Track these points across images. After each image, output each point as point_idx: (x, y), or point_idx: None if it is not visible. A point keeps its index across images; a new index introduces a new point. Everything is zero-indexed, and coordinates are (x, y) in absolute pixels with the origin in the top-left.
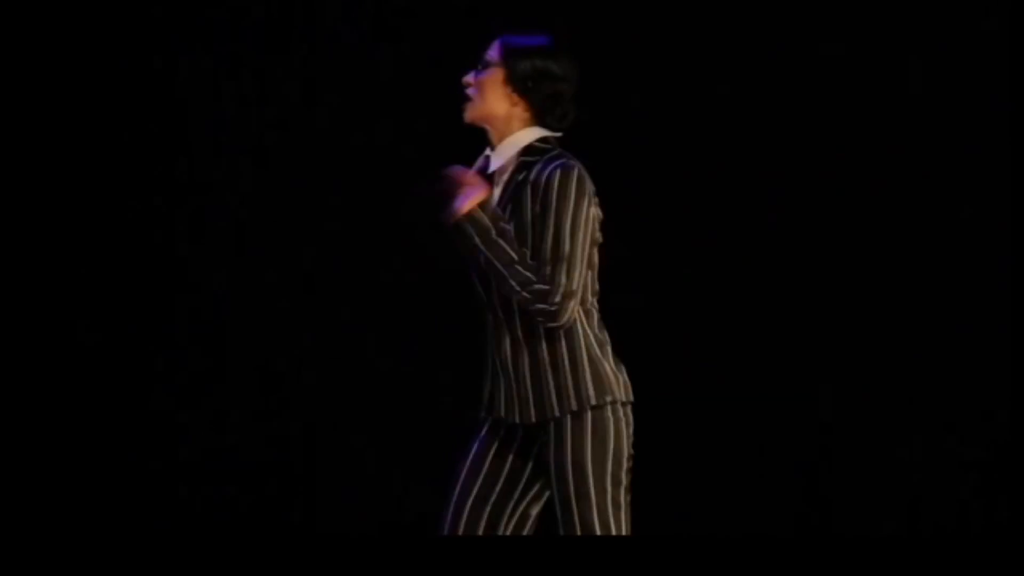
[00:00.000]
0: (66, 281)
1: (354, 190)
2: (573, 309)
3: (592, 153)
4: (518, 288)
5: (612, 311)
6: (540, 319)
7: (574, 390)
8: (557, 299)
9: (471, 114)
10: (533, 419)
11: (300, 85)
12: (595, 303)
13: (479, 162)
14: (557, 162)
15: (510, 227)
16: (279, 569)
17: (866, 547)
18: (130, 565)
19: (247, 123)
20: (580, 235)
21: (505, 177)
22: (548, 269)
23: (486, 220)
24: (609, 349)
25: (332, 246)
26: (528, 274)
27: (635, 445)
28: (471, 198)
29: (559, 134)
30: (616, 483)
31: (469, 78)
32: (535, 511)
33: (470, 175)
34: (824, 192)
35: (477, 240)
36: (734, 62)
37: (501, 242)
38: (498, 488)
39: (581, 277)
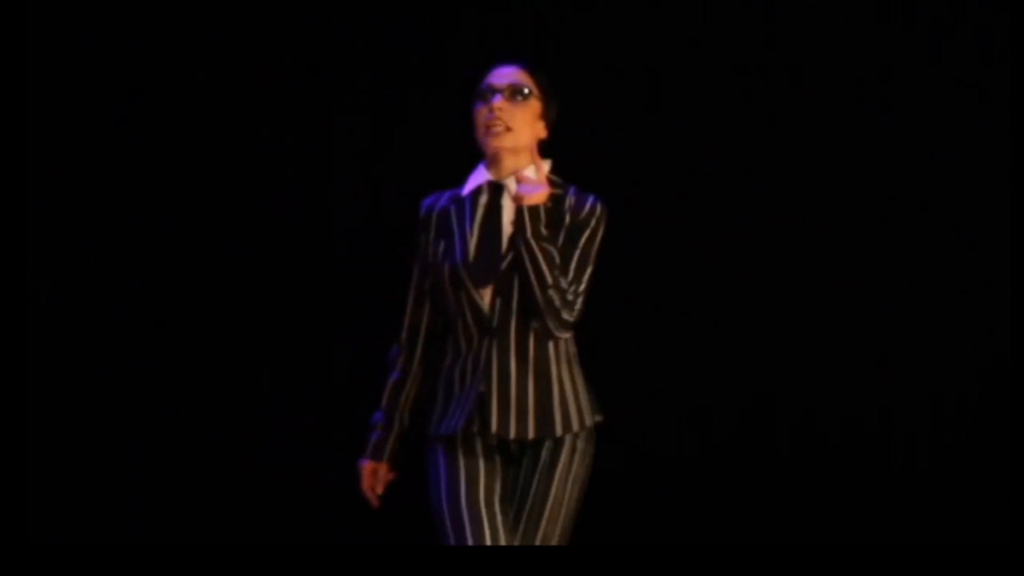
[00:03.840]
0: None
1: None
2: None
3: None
4: (554, 290)
5: None
6: (553, 325)
7: (577, 412)
8: (576, 310)
9: (509, 144)
10: (531, 435)
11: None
12: None
13: (472, 182)
14: (591, 196)
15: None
16: None
17: (864, 556)
18: None
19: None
20: (592, 267)
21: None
22: (574, 284)
23: (542, 220)
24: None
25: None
26: (563, 282)
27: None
28: (536, 193)
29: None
30: (580, 503)
31: (500, 103)
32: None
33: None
34: (822, 192)
35: (529, 233)
36: (729, 66)
37: (549, 246)
38: (496, 497)
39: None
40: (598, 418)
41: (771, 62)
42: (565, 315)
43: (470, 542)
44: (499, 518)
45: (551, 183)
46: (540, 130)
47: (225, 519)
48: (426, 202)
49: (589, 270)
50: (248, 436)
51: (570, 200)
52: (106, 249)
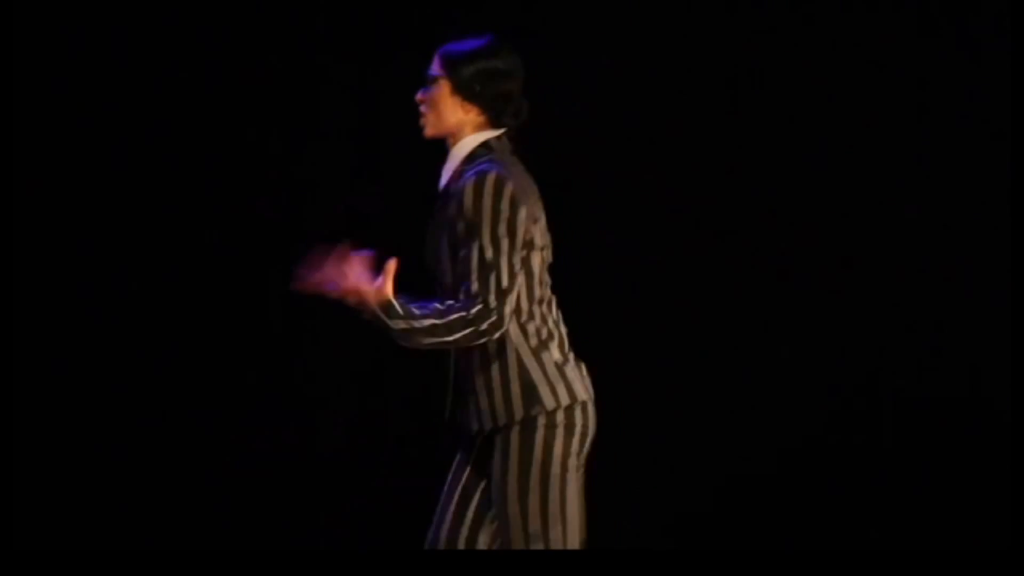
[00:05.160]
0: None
1: None
2: (511, 313)
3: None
4: (457, 338)
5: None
6: (485, 339)
7: (503, 405)
8: (492, 315)
9: (429, 131)
10: (474, 429)
11: None
12: (538, 308)
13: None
14: (476, 169)
15: (407, 304)
16: None
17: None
18: None
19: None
20: (502, 241)
21: (448, 189)
22: (475, 285)
23: (385, 322)
24: (550, 354)
25: None
26: (453, 316)
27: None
28: (366, 307)
29: (501, 132)
30: (544, 494)
31: (420, 95)
32: None
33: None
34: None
35: (398, 339)
36: (728, 60)
37: (412, 324)
38: (476, 495)
39: (512, 281)
40: (535, 410)
41: (763, 61)
42: (483, 328)
43: (432, 531)
44: (455, 513)
45: (471, 158)
46: (463, 105)
47: (214, 521)
48: None
49: (489, 257)
50: (235, 439)
51: (460, 183)
52: (91, 250)
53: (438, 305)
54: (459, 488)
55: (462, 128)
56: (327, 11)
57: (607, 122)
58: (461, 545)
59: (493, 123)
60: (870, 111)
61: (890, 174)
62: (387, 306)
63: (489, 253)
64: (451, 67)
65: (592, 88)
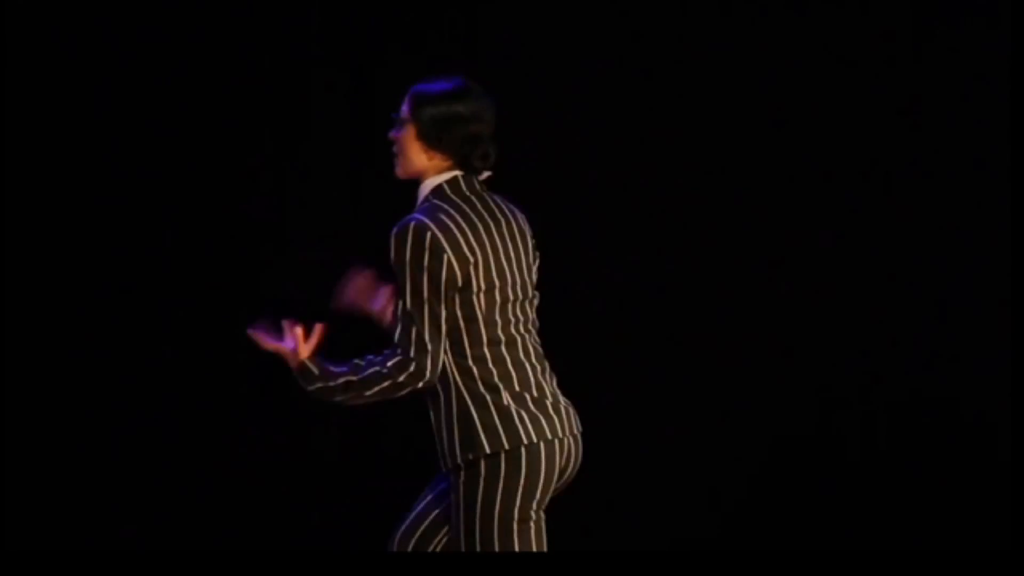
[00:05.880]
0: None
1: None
2: (435, 362)
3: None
4: (375, 391)
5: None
6: (406, 390)
7: (448, 448)
8: (410, 365)
9: (399, 172)
10: (442, 467)
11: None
12: (488, 350)
13: None
14: (400, 221)
15: (326, 365)
16: None
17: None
18: None
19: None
20: (423, 291)
21: None
22: (397, 336)
23: (302, 385)
24: (500, 396)
25: None
26: (370, 371)
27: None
28: (292, 367)
29: (457, 174)
30: (486, 544)
31: (391, 135)
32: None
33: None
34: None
35: (320, 399)
36: (726, 60)
37: (327, 384)
38: (437, 509)
39: (435, 330)
40: (471, 455)
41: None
42: (405, 378)
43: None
44: (415, 517)
45: (424, 203)
46: (426, 150)
47: (210, 522)
48: None
49: (408, 307)
50: (230, 440)
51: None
52: (86, 251)
53: (357, 361)
54: (427, 498)
55: (426, 171)
56: (321, 12)
57: (603, 121)
58: (409, 549)
59: (460, 167)
60: (868, 110)
61: (888, 174)
62: (302, 369)
63: (409, 304)
64: (416, 111)
65: (590, 88)
